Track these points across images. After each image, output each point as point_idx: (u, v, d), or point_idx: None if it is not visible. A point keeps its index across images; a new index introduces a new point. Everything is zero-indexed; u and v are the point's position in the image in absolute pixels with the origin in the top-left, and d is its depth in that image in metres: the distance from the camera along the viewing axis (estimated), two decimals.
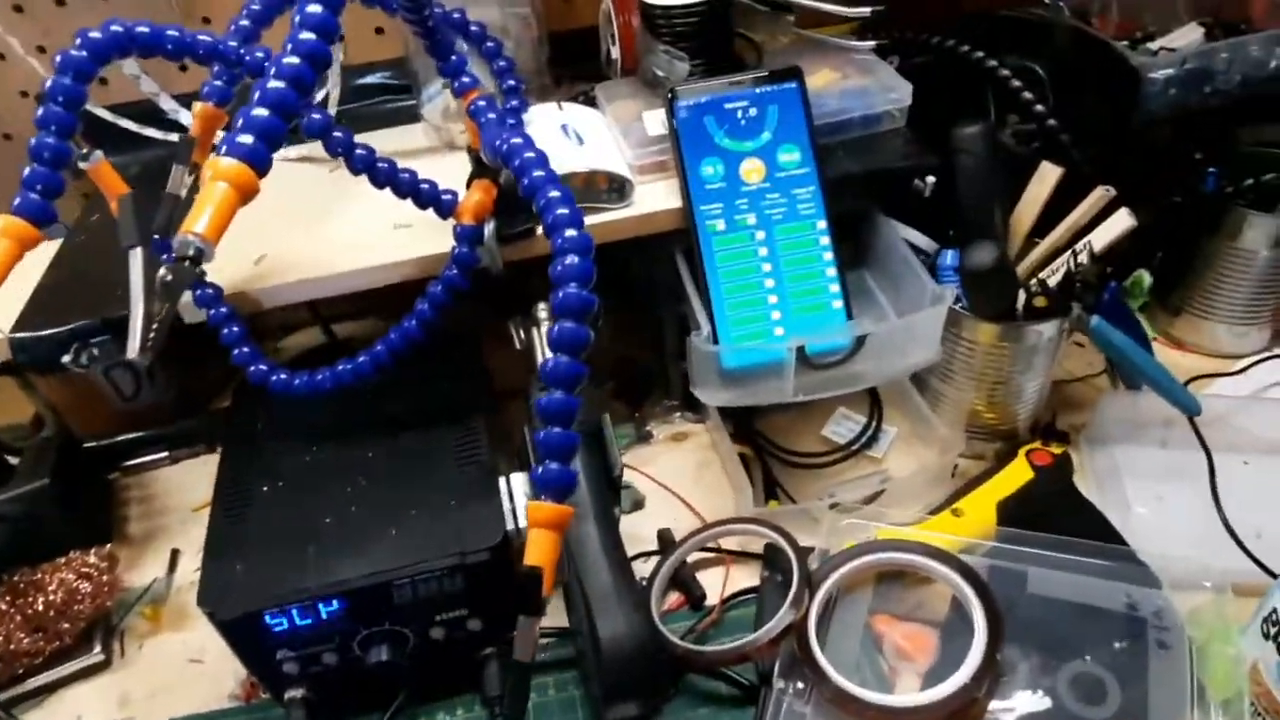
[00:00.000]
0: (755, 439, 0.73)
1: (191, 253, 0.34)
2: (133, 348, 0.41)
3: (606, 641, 0.54)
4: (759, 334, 0.63)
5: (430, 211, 0.63)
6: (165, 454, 0.80)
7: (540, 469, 0.38)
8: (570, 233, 0.42)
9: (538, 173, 0.44)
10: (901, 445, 0.73)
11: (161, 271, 0.35)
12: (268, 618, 0.56)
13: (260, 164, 0.36)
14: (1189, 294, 0.78)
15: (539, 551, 0.38)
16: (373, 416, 0.65)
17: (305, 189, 0.73)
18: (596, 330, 0.40)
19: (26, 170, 0.46)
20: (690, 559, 0.67)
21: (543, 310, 0.67)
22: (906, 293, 0.66)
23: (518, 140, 0.46)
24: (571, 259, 0.41)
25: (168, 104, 0.75)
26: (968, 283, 0.63)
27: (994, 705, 0.55)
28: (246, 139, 0.36)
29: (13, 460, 0.74)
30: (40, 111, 0.46)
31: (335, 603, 0.56)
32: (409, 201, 0.59)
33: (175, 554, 0.73)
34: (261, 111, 0.37)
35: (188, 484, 0.79)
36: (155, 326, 0.40)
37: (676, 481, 0.73)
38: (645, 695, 0.54)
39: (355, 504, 0.60)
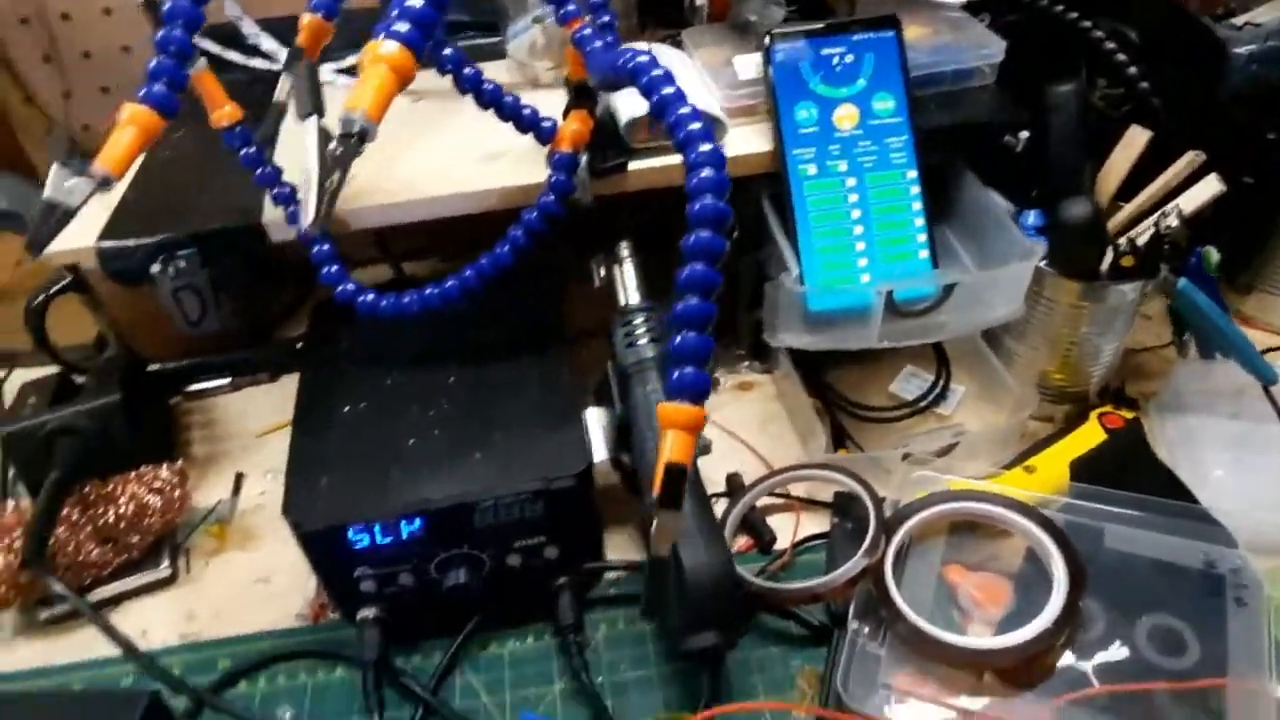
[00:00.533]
0: (825, 392, 0.73)
1: (356, 129, 0.34)
2: (307, 218, 0.42)
3: (690, 571, 0.54)
4: (846, 279, 0.63)
5: (521, 142, 0.63)
6: (228, 380, 0.80)
7: (676, 373, 0.38)
8: (705, 147, 0.41)
9: (667, 89, 0.44)
10: (970, 404, 0.73)
11: (331, 145, 0.35)
12: (350, 533, 0.56)
13: (418, 49, 0.36)
14: (1261, 271, 0.78)
15: (678, 451, 0.38)
16: (453, 344, 0.65)
17: (390, 120, 0.72)
18: (731, 240, 0.40)
19: (153, 62, 0.45)
20: (759, 504, 0.67)
21: (625, 248, 0.67)
22: (991, 248, 0.66)
23: (644, 59, 0.46)
24: (707, 172, 0.41)
25: (249, 28, 0.75)
26: (1058, 237, 0.63)
27: (1071, 654, 0.55)
28: (403, 26, 0.36)
29: (78, 379, 0.74)
30: (168, 5, 0.46)
31: (417, 522, 0.56)
32: (507, 127, 0.59)
33: (239, 477, 0.73)
34: (416, 1, 0.37)
35: (249, 411, 0.79)
36: (327, 199, 0.40)
37: (742, 430, 0.73)
38: (724, 626, 0.54)
39: (437, 427, 0.60)
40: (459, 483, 0.56)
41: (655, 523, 0.41)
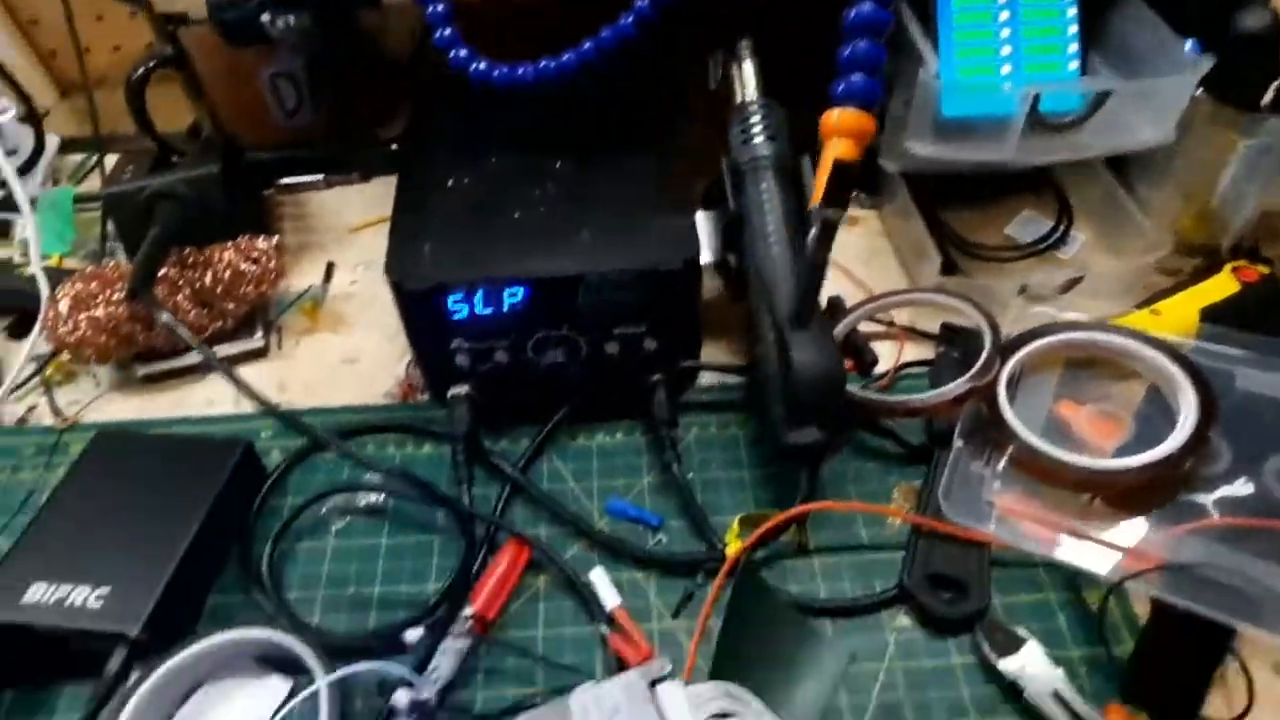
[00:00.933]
0: (938, 229, 0.70)
1: None
2: None
3: (799, 364, 0.52)
4: (987, 86, 0.59)
5: None
6: (320, 176, 0.79)
7: (843, 83, 0.36)
8: None
9: None
10: (1092, 251, 0.69)
11: None
12: (451, 299, 0.55)
13: None
14: None
15: (845, 151, 0.36)
16: (560, 133, 0.63)
17: None
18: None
19: None
20: (861, 328, 0.65)
21: (745, 47, 0.63)
22: (1147, 74, 0.61)
23: None
24: None
25: None
26: (1228, 52, 0.58)
27: (1194, 487, 0.52)
28: None
29: (175, 160, 0.73)
30: None
31: (520, 292, 0.54)
32: None
33: (330, 266, 0.73)
34: None
35: (341, 208, 0.78)
36: None
37: (845, 262, 0.70)
38: (827, 423, 0.52)
39: (543, 206, 0.58)
40: (565, 257, 0.54)
41: (816, 227, 0.39)
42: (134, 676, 0.47)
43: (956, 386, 0.56)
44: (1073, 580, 0.52)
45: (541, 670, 0.49)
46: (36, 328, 0.61)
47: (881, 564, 0.53)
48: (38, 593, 0.48)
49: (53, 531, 0.52)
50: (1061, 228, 0.70)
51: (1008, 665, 0.48)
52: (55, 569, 0.49)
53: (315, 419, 0.62)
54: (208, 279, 0.64)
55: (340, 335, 0.68)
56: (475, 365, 0.58)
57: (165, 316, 0.56)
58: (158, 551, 0.50)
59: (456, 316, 0.55)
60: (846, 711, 0.48)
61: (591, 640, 0.51)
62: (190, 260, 0.64)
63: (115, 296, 0.61)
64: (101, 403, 0.64)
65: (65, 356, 0.65)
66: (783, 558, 0.54)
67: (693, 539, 0.55)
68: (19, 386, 0.64)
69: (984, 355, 0.57)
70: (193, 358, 0.65)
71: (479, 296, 0.54)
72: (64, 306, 0.61)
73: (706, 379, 0.63)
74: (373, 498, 0.57)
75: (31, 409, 0.64)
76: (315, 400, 0.64)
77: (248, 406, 0.63)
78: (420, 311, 0.55)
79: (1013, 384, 0.58)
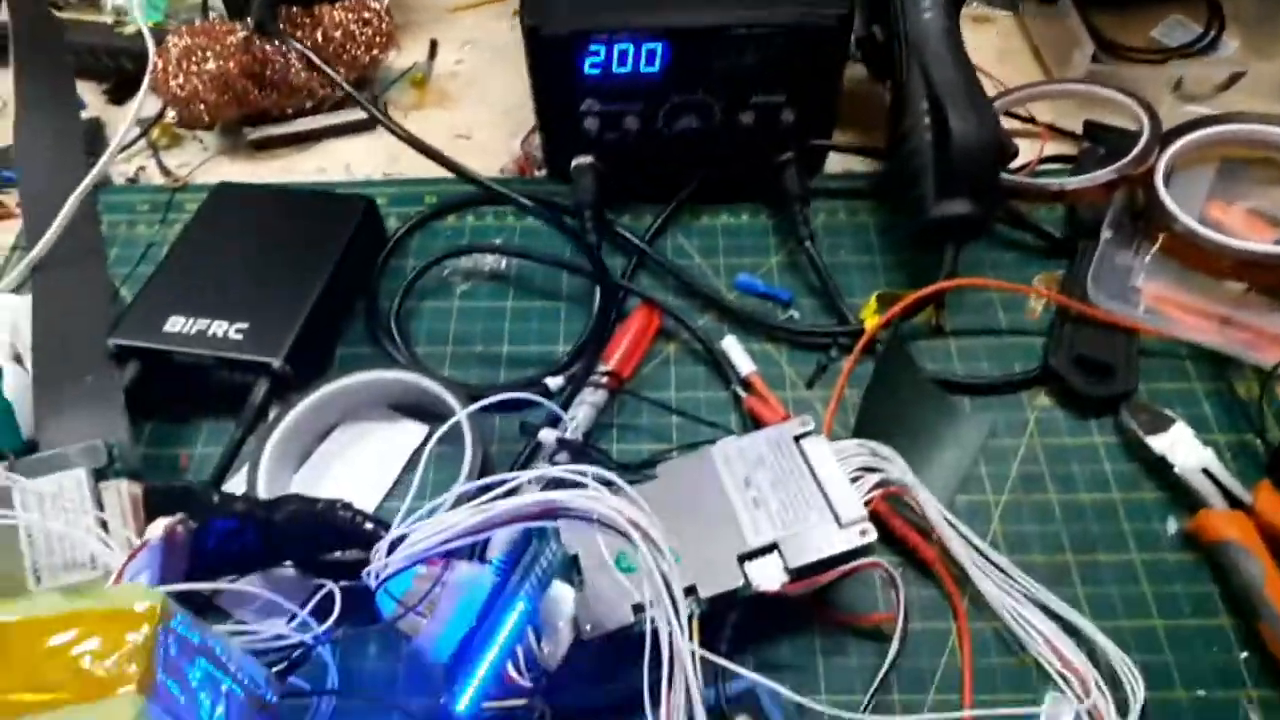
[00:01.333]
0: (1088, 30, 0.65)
1: None
2: None
3: (957, 131, 0.50)
4: None
5: None
6: None
7: None
8: None
9: None
10: (1244, 56, 0.65)
11: None
12: (586, 57, 0.52)
13: None
14: None
15: None
16: None
17: None
18: None
19: None
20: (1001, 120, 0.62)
21: None
22: None
23: None
24: None
25: None
26: None
27: None
28: None
29: None
30: None
31: (659, 50, 0.52)
32: None
33: (434, 44, 0.70)
34: None
35: None
36: None
37: (979, 61, 0.66)
38: (981, 194, 0.50)
39: None
40: (709, 9, 0.51)
41: None
42: (274, 411, 0.47)
43: (1108, 172, 0.53)
44: (1220, 369, 0.50)
45: (677, 427, 0.49)
46: (144, 84, 0.59)
47: (1020, 348, 0.52)
48: (177, 324, 0.48)
49: (183, 275, 0.51)
50: (1212, 33, 0.66)
51: (1157, 442, 0.47)
52: (191, 305, 0.49)
53: (429, 188, 0.60)
54: (319, 37, 0.61)
55: (448, 111, 0.66)
56: (603, 132, 0.55)
57: (296, 45, 0.54)
58: (291, 293, 0.50)
59: (589, 72, 0.53)
60: (987, 479, 0.47)
61: (726, 404, 0.50)
62: (299, 20, 0.61)
63: (225, 51, 0.59)
64: (210, 166, 0.62)
65: (171, 117, 0.63)
66: (918, 337, 0.53)
67: (823, 315, 0.54)
68: (126, 148, 0.63)
69: (1142, 141, 0.54)
70: (303, 124, 0.63)
71: (615, 52, 0.52)
72: (175, 55, 0.58)
73: (834, 165, 0.61)
74: (498, 262, 0.56)
75: (141, 169, 0.62)
76: (429, 171, 0.61)
77: (359, 174, 0.62)
78: (553, 62, 0.53)
79: (1164, 180, 0.55)
